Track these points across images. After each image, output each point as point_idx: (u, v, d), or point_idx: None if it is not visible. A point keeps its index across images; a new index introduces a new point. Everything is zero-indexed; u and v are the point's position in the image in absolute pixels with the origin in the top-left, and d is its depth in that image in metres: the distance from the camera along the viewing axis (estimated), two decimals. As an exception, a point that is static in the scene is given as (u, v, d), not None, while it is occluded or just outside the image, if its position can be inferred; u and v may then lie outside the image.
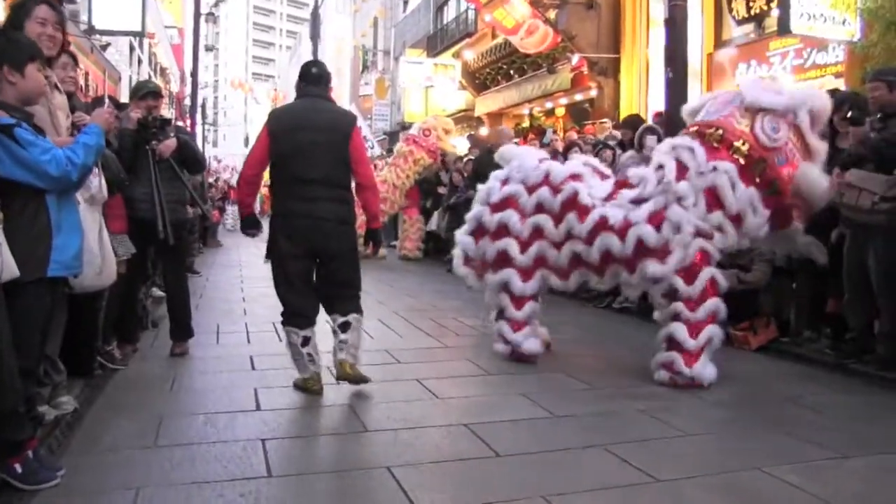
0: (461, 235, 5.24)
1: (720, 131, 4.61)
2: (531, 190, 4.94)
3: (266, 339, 5.74)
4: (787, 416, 3.97)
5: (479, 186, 5.35)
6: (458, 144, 19.16)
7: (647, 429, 3.65)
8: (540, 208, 4.87)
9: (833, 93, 6.00)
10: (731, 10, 11.91)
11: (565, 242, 4.78)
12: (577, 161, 5.33)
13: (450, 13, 24.52)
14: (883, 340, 4.83)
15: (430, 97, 24.91)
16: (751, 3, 11.46)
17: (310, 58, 34.17)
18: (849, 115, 5.13)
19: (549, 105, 17.30)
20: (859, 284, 4.84)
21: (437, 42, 24.92)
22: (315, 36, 32.10)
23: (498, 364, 4.97)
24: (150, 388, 4.31)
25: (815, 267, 5.58)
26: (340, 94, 44.82)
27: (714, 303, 4.51)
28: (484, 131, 19.40)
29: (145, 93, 5.16)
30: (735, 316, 5.95)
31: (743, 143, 4.54)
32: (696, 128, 4.81)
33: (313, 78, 4.28)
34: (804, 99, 4.66)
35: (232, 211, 21.59)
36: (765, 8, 11.16)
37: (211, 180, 17.07)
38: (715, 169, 4.49)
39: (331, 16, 45.51)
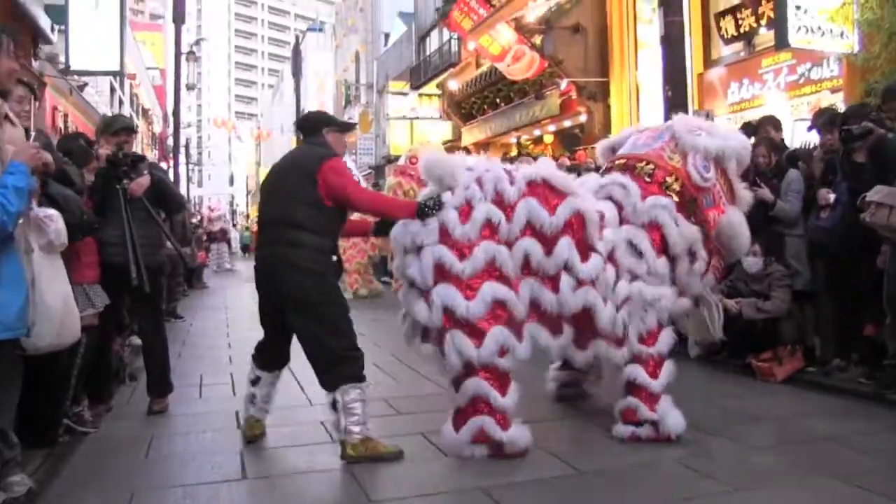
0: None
1: (651, 165, 4.13)
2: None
3: (253, 391, 5.30)
4: (838, 461, 3.55)
5: None
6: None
7: (691, 484, 3.23)
8: None
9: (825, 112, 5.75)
10: (719, 30, 11.70)
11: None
12: None
13: (432, 44, 24.36)
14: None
15: (415, 129, 24.68)
16: (739, 22, 11.25)
17: (292, 95, 34.05)
18: (853, 129, 4.74)
19: (537, 132, 17.05)
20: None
21: (420, 73, 24.73)
22: (297, 73, 32.02)
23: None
24: (123, 454, 3.83)
25: (840, 290, 5.25)
26: (324, 130, 44.64)
27: (668, 333, 4.01)
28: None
29: (119, 128, 4.77)
30: (757, 346, 5.60)
31: (675, 180, 4.07)
32: (623, 160, 4.30)
33: (303, 128, 4.19)
34: (734, 143, 4.28)
35: (216, 249, 21.07)
36: (754, 25, 10.96)
37: (196, 220, 16.63)
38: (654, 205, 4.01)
39: (312, 52, 45.52)
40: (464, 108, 19.79)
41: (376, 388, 5.14)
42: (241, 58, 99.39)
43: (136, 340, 6.26)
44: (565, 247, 3.70)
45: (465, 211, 3.67)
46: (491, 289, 3.57)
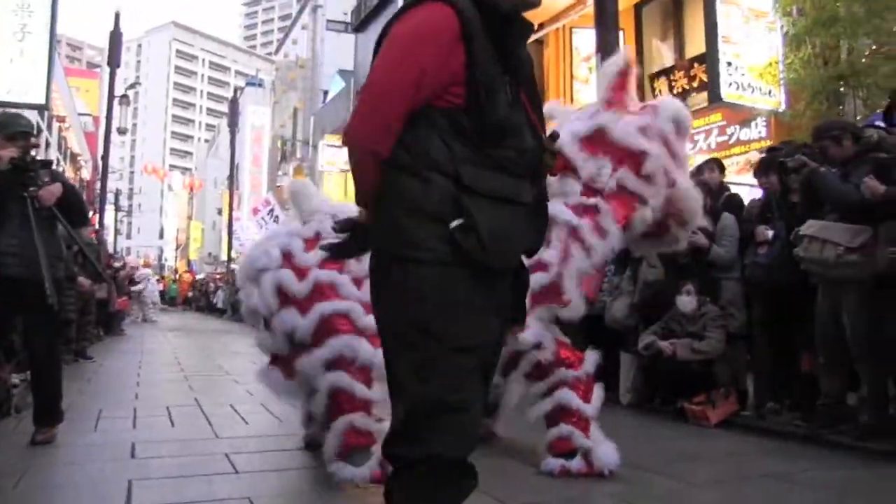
0: None
1: None
2: None
3: (158, 424, 4.85)
4: (778, 497, 3.36)
5: None
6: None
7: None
8: None
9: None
10: (653, 91, 11.96)
11: None
12: None
13: (370, 101, 24.36)
14: (866, 407, 4.33)
15: (349, 182, 24.49)
16: (673, 83, 11.53)
17: (227, 148, 33.61)
18: (787, 161, 4.79)
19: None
20: (836, 346, 4.37)
21: (357, 129, 24.65)
22: (233, 125, 31.64)
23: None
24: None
25: (772, 332, 5.17)
26: (258, 185, 44.19)
27: (592, 355, 3.81)
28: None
29: (15, 132, 4.35)
30: (690, 389, 5.44)
31: None
32: None
33: None
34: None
35: (138, 297, 20.23)
36: (686, 87, 11.23)
37: (118, 265, 15.88)
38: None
39: (250, 107, 45.30)
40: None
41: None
42: (179, 111, 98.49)
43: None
44: None
45: (312, 243, 3.69)
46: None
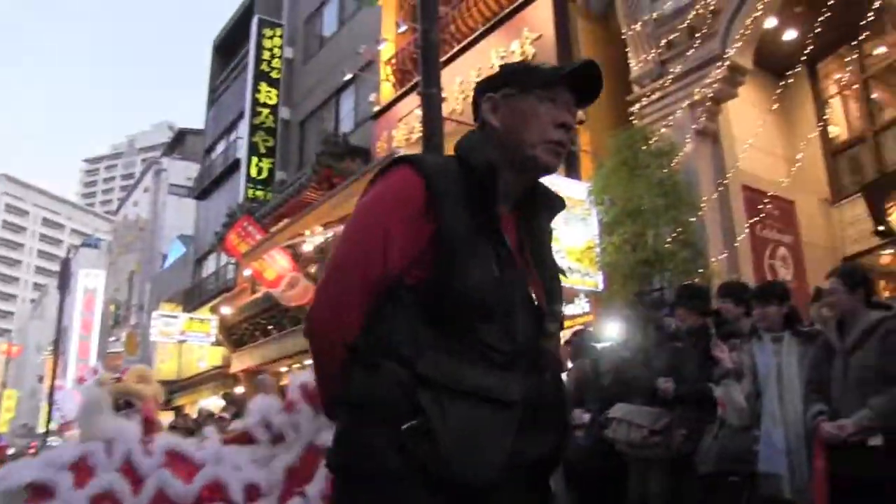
0: None
1: None
2: None
3: None
4: None
5: None
6: (213, 403, 17.57)
7: None
8: None
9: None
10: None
11: None
12: None
13: (209, 267, 23.79)
14: None
15: (183, 353, 23.27)
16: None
17: (55, 311, 31.52)
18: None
19: (308, 362, 16.50)
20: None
21: (194, 296, 23.84)
22: (63, 287, 29.73)
23: None
24: None
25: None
26: (86, 351, 41.17)
27: None
28: (239, 390, 18.08)
29: None
30: None
31: None
32: None
33: None
34: None
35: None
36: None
37: None
38: None
39: (84, 268, 43.03)
40: (234, 334, 18.97)
41: None
42: (3, 268, 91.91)
43: None
44: None
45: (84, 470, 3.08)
46: None
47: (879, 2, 7.56)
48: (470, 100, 1.72)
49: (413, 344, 1.40)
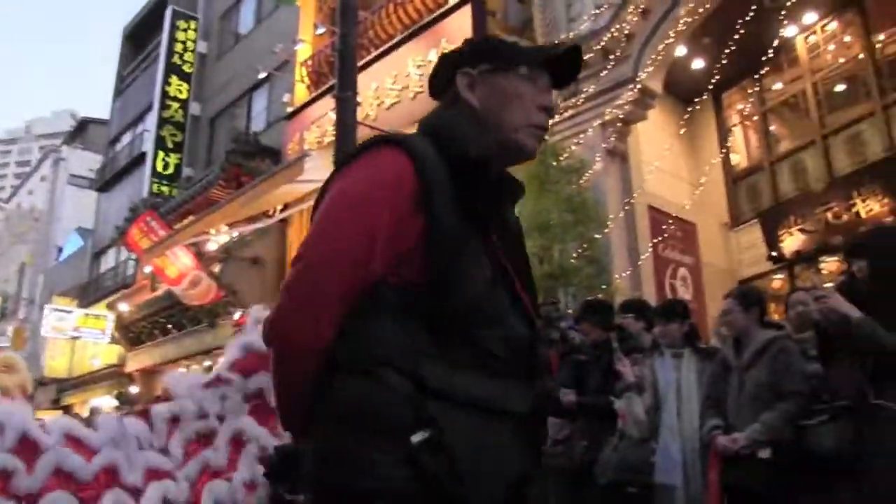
0: None
1: None
2: None
3: None
4: None
5: None
6: (106, 403, 16.84)
7: None
8: None
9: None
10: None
11: None
12: None
13: (108, 262, 22.83)
14: None
15: (76, 350, 22.23)
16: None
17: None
18: None
19: (207, 363, 16.06)
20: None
21: (90, 291, 22.83)
22: (-57, 278, 28.01)
23: None
24: None
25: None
26: (-32, 346, 38.83)
27: None
28: (134, 389, 17.42)
29: None
30: None
31: None
32: None
33: None
34: None
35: None
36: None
37: None
38: None
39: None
40: (132, 332, 18.26)
41: None
42: None
43: None
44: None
45: None
46: None
47: (777, 40, 7.98)
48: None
49: (406, 350, 1.27)
